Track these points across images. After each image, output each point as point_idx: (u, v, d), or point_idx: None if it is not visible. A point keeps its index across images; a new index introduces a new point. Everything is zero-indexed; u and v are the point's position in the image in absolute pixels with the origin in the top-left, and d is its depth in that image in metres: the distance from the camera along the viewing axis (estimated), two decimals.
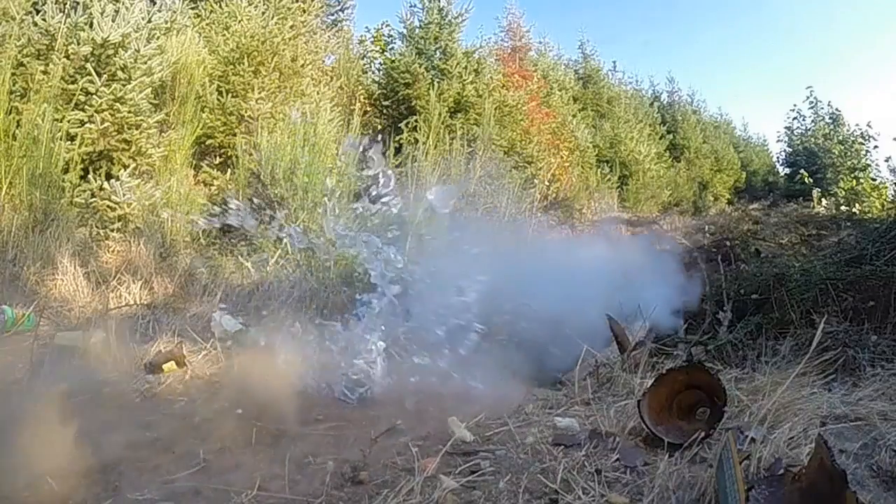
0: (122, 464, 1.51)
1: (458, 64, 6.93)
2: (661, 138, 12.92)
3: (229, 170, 4.75)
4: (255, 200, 3.61)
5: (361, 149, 2.37)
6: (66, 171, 3.76)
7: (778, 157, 17.59)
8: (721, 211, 12.00)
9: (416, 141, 5.78)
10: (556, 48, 13.06)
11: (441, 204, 2.49)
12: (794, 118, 16.04)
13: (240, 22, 5.15)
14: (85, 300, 3.04)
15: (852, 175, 10.37)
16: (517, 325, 2.77)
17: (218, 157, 4.90)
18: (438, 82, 6.65)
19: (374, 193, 2.36)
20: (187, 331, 2.65)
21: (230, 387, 2.13)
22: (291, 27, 5.47)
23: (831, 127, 14.83)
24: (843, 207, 7.98)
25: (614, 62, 14.74)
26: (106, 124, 3.91)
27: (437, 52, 7.05)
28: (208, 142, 4.82)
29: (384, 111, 6.75)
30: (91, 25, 3.97)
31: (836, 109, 15.11)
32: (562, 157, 8.60)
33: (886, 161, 10.35)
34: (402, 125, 6.25)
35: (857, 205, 7.66)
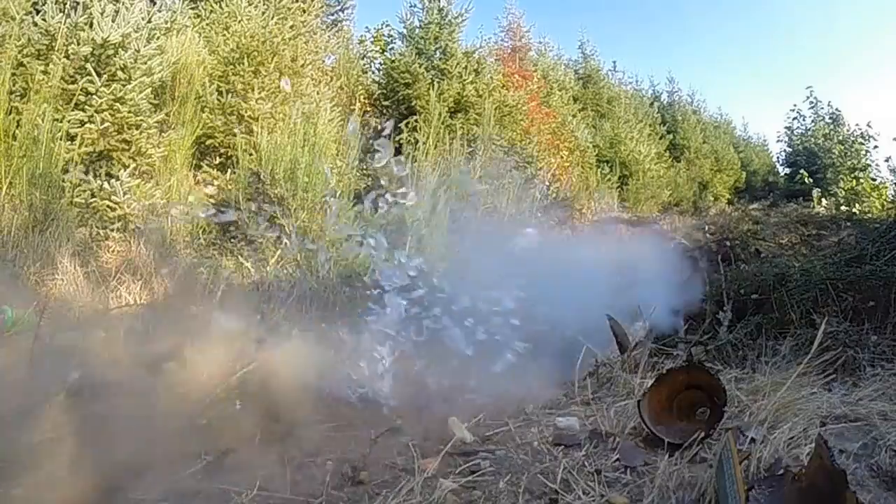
0: (122, 464, 1.51)
1: (458, 64, 6.92)
2: (661, 138, 12.91)
3: (229, 170, 4.75)
4: (256, 201, 3.61)
5: (366, 140, 2.32)
6: (65, 171, 3.75)
7: (778, 157, 17.54)
8: (721, 211, 11.98)
9: (416, 141, 5.78)
10: (556, 48, 13.04)
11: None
12: (794, 118, 16.01)
13: (240, 22, 5.15)
14: (85, 300, 3.03)
15: (852, 175, 10.37)
16: (550, 336, 2.65)
17: (218, 157, 4.90)
18: (438, 82, 6.65)
19: (383, 185, 2.30)
20: (187, 331, 2.65)
21: (230, 387, 2.13)
22: (291, 27, 5.47)
23: (831, 127, 14.80)
24: (843, 207, 7.97)
25: (614, 62, 14.71)
26: (106, 124, 3.91)
27: (437, 52, 7.05)
28: (208, 142, 4.82)
29: (384, 111, 6.74)
30: (91, 25, 3.97)
31: (836, 109, 15.09)
32: (562, 157, 8.59)
33: (886, 161, 10.35)
34: (402, 125, 6.25)
35: (857, 205, 7.65)
